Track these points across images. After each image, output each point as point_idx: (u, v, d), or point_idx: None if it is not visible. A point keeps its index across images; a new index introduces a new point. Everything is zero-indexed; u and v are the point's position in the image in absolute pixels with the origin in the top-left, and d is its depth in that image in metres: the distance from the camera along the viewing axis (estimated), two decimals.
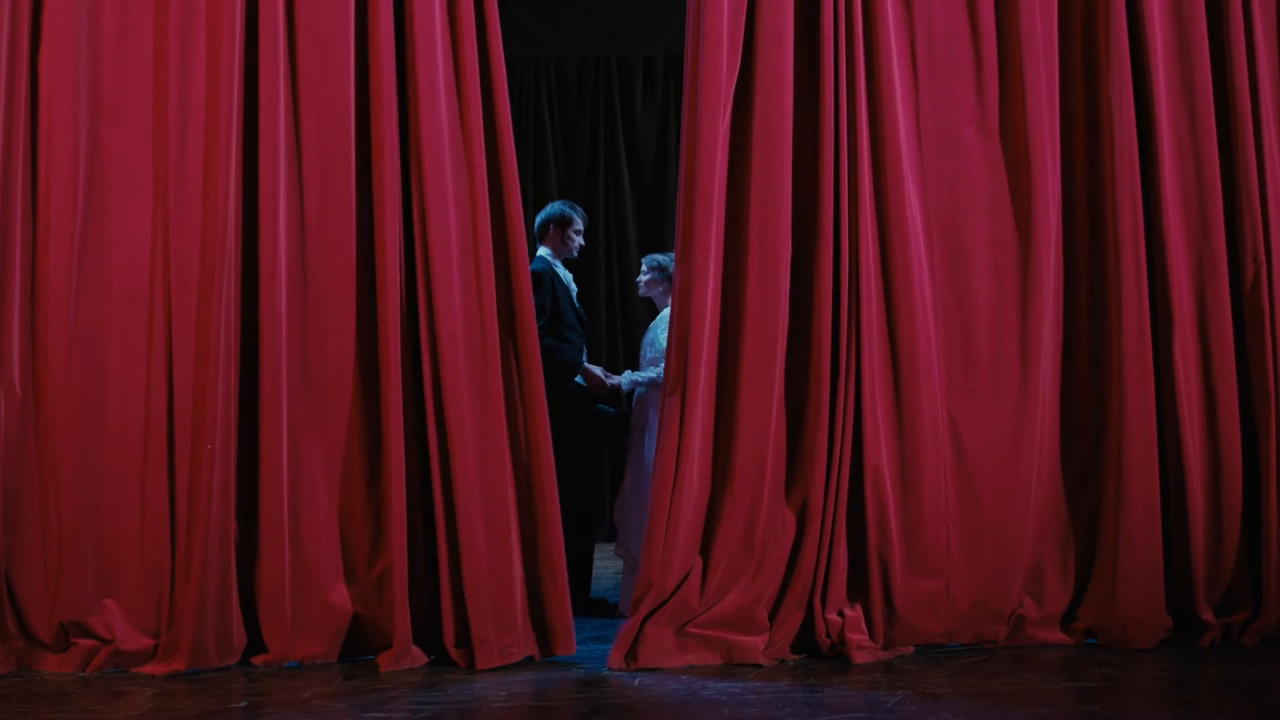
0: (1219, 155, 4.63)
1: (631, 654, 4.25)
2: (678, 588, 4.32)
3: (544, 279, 5.31)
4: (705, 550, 4.38)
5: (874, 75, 4.53)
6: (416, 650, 4.30)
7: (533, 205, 6.46)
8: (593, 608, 5.43)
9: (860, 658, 4.29)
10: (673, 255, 4.77)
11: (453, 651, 4.28)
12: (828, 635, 4.34)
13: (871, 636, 4.38)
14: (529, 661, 4.33)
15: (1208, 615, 4.48)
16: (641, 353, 5.68)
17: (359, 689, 4.00)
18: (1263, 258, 4.57)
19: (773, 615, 4.39)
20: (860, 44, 4.52)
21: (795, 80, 4.53)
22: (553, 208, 5.64)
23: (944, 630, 4.47)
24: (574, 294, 5.58)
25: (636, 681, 4.07)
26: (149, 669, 4.23)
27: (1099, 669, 4.18)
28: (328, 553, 4.36)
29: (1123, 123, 4.56)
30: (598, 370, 5.58)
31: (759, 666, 4.26)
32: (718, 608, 4.36)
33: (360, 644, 4.40)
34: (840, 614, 4.38)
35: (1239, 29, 4.64)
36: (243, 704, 3.82)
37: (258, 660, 4.31)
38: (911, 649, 4.44)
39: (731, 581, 4.37)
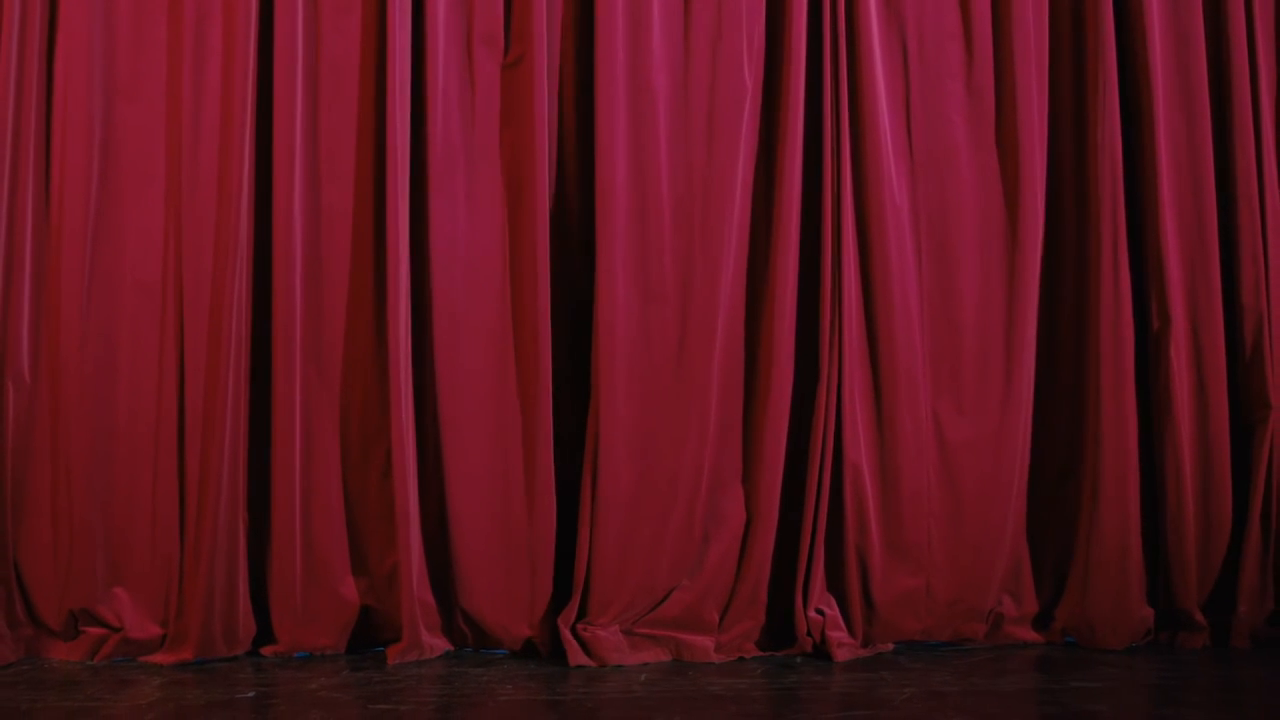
0: (1214, 153, 4.60)
1: (590, 652, 4.23)
2: (616, 589, 4.32)
3: None
4: (645, 548, 4.37)
5: (855, 64, 4.50)
6: (426, 642, 4.31)
7: None
8: None
9: (841, 655, 4.28)
10: None
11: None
12: (809, 633, 4.34)
13: (851, 634, 4.39)
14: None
15: (1199, 616, 4.47)
16: None
17: (366, 680, 4.01)
18: (1261, 258, 4.56)
19: (724, 613, 4.38)
20: (843, 32, 4.49)
21: (759, 68, 4.52)
22: None
23: (923, 628, 4.47)
24: None
25: (643, 678, 4.08)
26: (157, 658, 4.23)
27: (1106, 669, 4.18)
28: (340, 544, 4.37)
29: (1108, 120, 4.52)
30: None
31: (741, 661, 4.29)
32: (664, 606, 4.36)
33: (371, 636, 4.41)
34: (820, 611, 4.38)
35: (1239, 20, 4.61)
36: (250, 694, 3.84)
37: (267, 651, 4.32)
38: (891, 646, 4.44)
39: (674, 579, 4.38)
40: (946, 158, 4.59)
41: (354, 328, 4.41)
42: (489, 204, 4.46)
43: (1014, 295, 4.56)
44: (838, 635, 4.33)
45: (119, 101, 4.42)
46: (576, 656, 4.21)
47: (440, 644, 4.36)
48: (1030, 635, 4.54)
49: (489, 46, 4.47)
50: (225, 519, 4.23)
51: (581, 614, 4.32)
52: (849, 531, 4.41)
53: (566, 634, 4.26)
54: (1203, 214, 4.57)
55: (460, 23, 4.48)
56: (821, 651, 4.31)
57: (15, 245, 4.33)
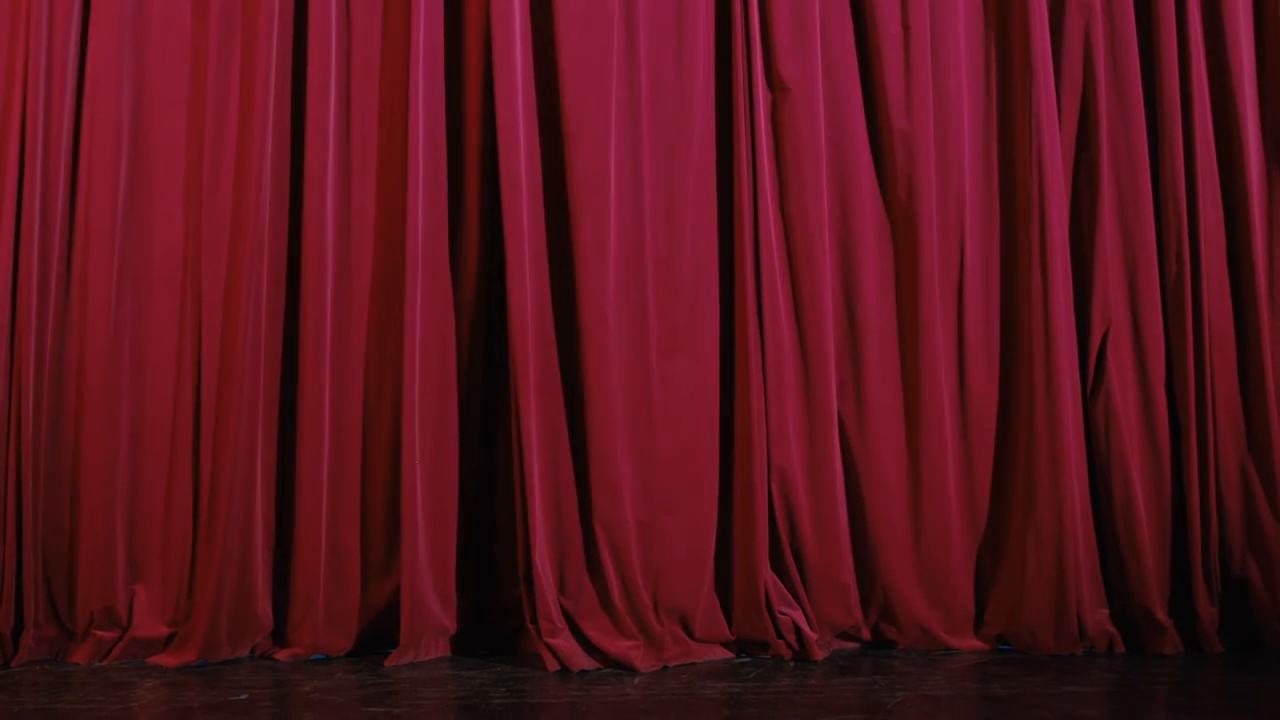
0: (1149, 154, 4.60)
1: (559, 658, 4.21)
2: (544, 594, 4.29)
3: None
4: (561, 553, 4.37)
5: (772, 65, 4.53)
6: (423, 644, 4.33)
7: None
8: None
9: (820, 653, 4.32)
10: None
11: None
12: (779, 635, 4.34)
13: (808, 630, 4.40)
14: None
15: (1162, 616, 4.44)
16: None
17: (362, 683, 4.03)
18: (1186, 259, 4.54)
19: (642, 624, 4.36)
20: (757, 29, 4.51)
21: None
22: None
23: (851, 624, 4.48)
24: None
25: (636, 681, 4.09)
26: (162, 659, 4.28)
27: (1101, 674, 4.15)
28: (362, 545, 4.42)
29: (1043, 121, 4.50)
30: None
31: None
32: (585, 611, 4.34)
33: (388, 639, 4.42)
34: (783, 612, 4.37)
35: (1170, 28, 4.60)
36: (243, 697, 3.86)
37: (285, 654, 4.35)
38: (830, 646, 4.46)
39: (588, 583, 4.37)
40: (849, 158, 4.60)
41: (382, 329, 4.46)
42: None
43: (917, 301, 4.54)
44: (811, 633, 4.34)
45: (147, 104, 4.48)
46: (550, 662, 4.21)
47: (441, 646, 4.39)
48: (965, 643, 4.51)
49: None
50: (239, 519, 4.27)
51: (534, 620, 4.29)
52: (781, 532, 4.43)
53: (536, 640, 4.26)
54: (1141, 216, 4.56)
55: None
56: (801, 653, 4.33)
57: (46, 245, 4.38)
